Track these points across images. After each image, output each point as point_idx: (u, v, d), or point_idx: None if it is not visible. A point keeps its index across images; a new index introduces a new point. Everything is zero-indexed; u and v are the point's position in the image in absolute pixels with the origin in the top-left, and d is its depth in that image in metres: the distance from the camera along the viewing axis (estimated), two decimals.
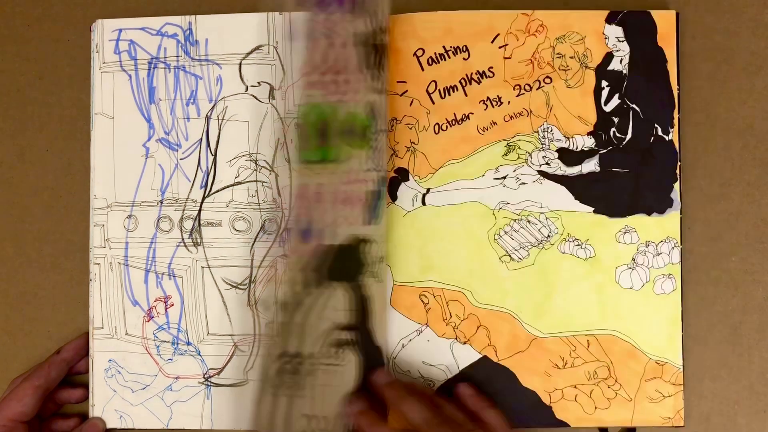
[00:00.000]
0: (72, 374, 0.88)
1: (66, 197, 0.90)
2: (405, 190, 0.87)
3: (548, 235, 0.87)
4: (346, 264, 0.82)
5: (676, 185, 0.86)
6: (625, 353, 0.86)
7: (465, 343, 0.86)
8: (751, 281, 0.87)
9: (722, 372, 0.86)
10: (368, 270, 0.83)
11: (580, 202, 0.87)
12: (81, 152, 0.90)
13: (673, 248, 0.86)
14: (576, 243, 0.86)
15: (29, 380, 0.83)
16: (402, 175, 0.87)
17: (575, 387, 0.86)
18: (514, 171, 0.87)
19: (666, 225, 0.86)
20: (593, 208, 0.87)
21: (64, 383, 0.87)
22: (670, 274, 0.86)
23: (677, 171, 0.86)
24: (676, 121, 0.87)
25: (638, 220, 0.87)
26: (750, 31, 0.88)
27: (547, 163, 0.87)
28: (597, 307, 0.87)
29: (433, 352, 0.86)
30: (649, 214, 0.86)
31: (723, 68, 0.88)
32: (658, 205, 0.86)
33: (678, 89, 0.86)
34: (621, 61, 0.87)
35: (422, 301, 0.86)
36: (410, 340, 0.86)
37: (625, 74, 0.87)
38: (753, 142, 0.87)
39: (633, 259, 0.87)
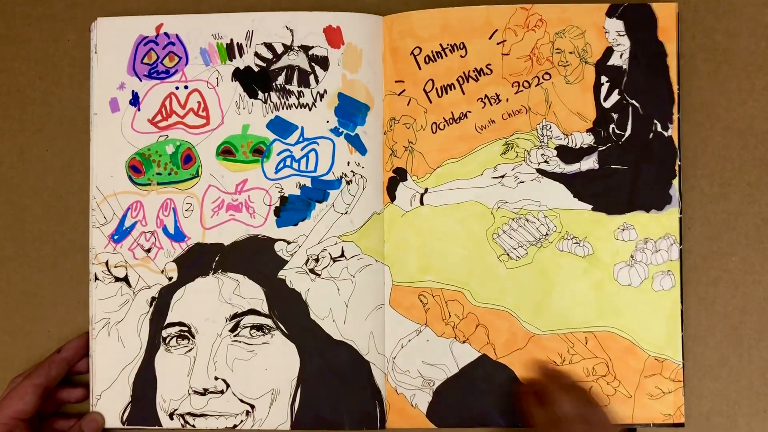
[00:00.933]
0: (72, 374, 0.88)
1: (66, 197, 0.90)
2: (403, 190, 0.87)
3: (546, 234, 0.86)
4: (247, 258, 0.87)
5: (675, 182, 0.86)
6: (624, 350, 0.86)
7: (464, 342, 0.86)
8: (751, 281, 0.87)
9: (722, 372, 0.86)
10: (294, 266, 0.87)
11: (579, 199, 0.87)
12: (81, 152, 0.90)
13: (672, 245, 0.86)
14: (574, 241, 0.86)
15: (29, 378, 0.82)
16: (400, 174, 0.87)
17: None
18: (513, 170, 0.87)
19: (665, 222, 0.86)
20: (592, 206, 0.87)
21: (64, 383, 0.87)
22: (669, 271, 0.86)
23: (676, 167, 0.86)
24: (675, 117, 0.86)
25: (637, 217, 0.86)
26: (750, 31, 0.88)
27: (546, 161, 0.87)
28: (595, 304, 0.86)
29: (433, 351, 0.86)
30: (647, 211, 0.86)
31: (723, 68, 0.88)
32: (657, 201, 0.86)
33: (678, 88, 0.86)
34: (621, 56, 0.87)
35: (421, 301, 0.86)
36: (409, 340, 0.86)
37: (625, 69, 0.87)
38: (753, 142, 0.87)
39: (632, 256, 0.86)
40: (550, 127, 0.87)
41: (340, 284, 0.86)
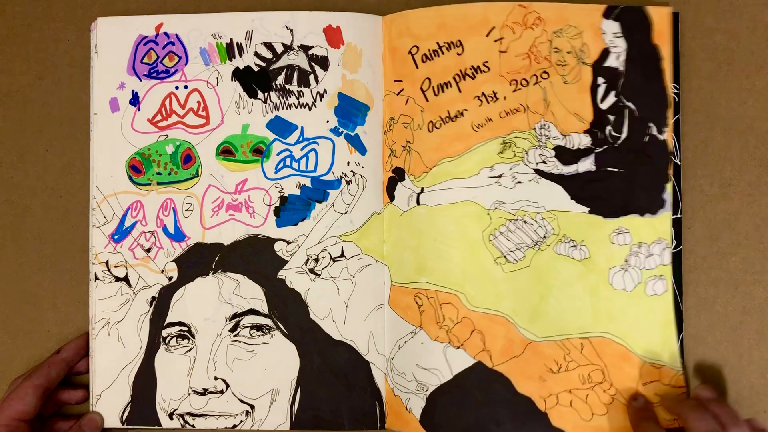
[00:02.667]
0: (72, 374, 0.88)
1: (66, 197, 0.90)
2: (401, 190, 0.87)
3: (544, 236, 0.86)
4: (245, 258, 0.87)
5: (668, 186, 0.85)
6: (618, 356, 0.85)
7: (459, 347, 0.85)
8: (751, 281, 0.86)
9: (722, 372, 0.86)
10: (294, 266, 0.87)
11: (576, 201, 0.86)
12: (81, 152, 0.90)
13: (664, 249, 0.85)
14: (571, 244, 0.86)
15: (29, 380, 0.83)
16: (399, 174, 0.87)
17: (570, 392, 0.85)
18: (510, 169, 0.86)
19: (658, 226, 0.85)
20: (589, 208, 0.86)
21: (64, 384, 0.87)
22: (661, 276, 0.85)
23: (669, 171, 0.85)
24: (670, 121, 0.86)
25: (631, 221, 0.85)
26: (750, 31, 0.88)
27: (544, 162, 0.86)
28: (591, 309, 0.85)
29: (427, 355, 0.85)
30: (641, 214, 0.86)
31: (723, 68, 0.88)
32: (651, 205, 0.86)
33: (676, 88, 0.86)
34: (618, 58, 0.86)
35: (416, 302, 0.86)
36: (405, 342, 0.86)
37: (621, 71, 0.86)
38: (753, 142, 0.87)
39: (626, 261, 0.85)
40: (549, 127, 0.86)
41: (340, 284, 0.86)
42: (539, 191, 0.86)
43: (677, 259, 0.86)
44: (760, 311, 0.86)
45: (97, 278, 0.87)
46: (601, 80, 0.86)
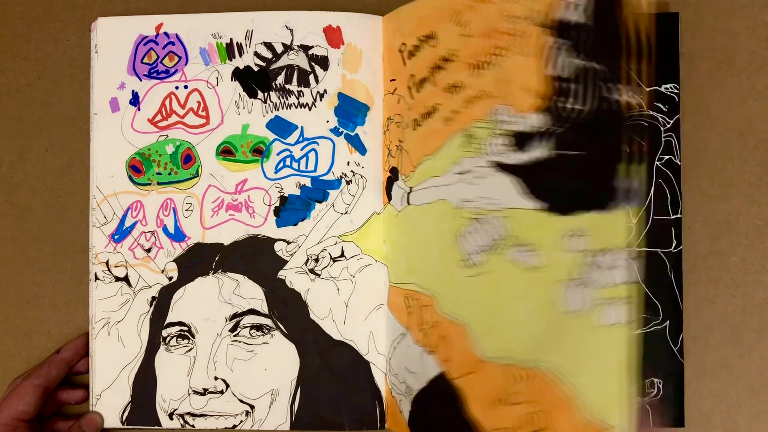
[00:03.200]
0: (72, 374, 0.88)
1: (66, 197, 0.90)
2: (395, 190, 0.86)
3: (499, 238, 0.76)
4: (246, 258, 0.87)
5: (640, 169, 0.72)
6: (561, 401, 0.69)
7: (431, 353, 0.80)
8: (751, 281, 0.86)
9: (722, 372, 0.86)
10: (294, 266, 0.87)
11: (536, 197, 0.74)
12: (81, 152, 0.90)
13: (628, 260, 0.68)
14: (521, 249, 0.75)
15: (29, 379, 0.83)
16: (394, 174, 0.86)
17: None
18: (472, 164, 0.78)
19: (617, 225, 0.71)
20: (548, 204, 0.74)
21: (64, 384, 0.87)
22: (621, 298, 0.68)
23: (623, 147, 0.72)
24: (631, 77, 0.73)
25: (589, 219, 0.71)
26: (750, 31, 0.88)
27: (501, 152, 0.76)
28: (538, 331, 0.72)
29: (412, 358, 0.83)
30: (600, 209, 0.71)
31: (723, 68, 0.88)
32: (625, 195, 0.71)
33: (677, 89, 0.85)
34: (582, 11, 0.73)
35: (405, 303, 0.84)
36: (398, 343, 0.85)
37: (586, 25, 0.73)
38: (753, 142, 0.87)
39: (581, 272, 0.71)
40: (504, 111, 0.76)
41: (340, 284, 0.86)
42: (496, 186, 0.76)
43: (678, 265, 0.82)
44: (760, 311, 0.86)
45: (97, 278, 0.87)
46: (561, 43, 0.73)
